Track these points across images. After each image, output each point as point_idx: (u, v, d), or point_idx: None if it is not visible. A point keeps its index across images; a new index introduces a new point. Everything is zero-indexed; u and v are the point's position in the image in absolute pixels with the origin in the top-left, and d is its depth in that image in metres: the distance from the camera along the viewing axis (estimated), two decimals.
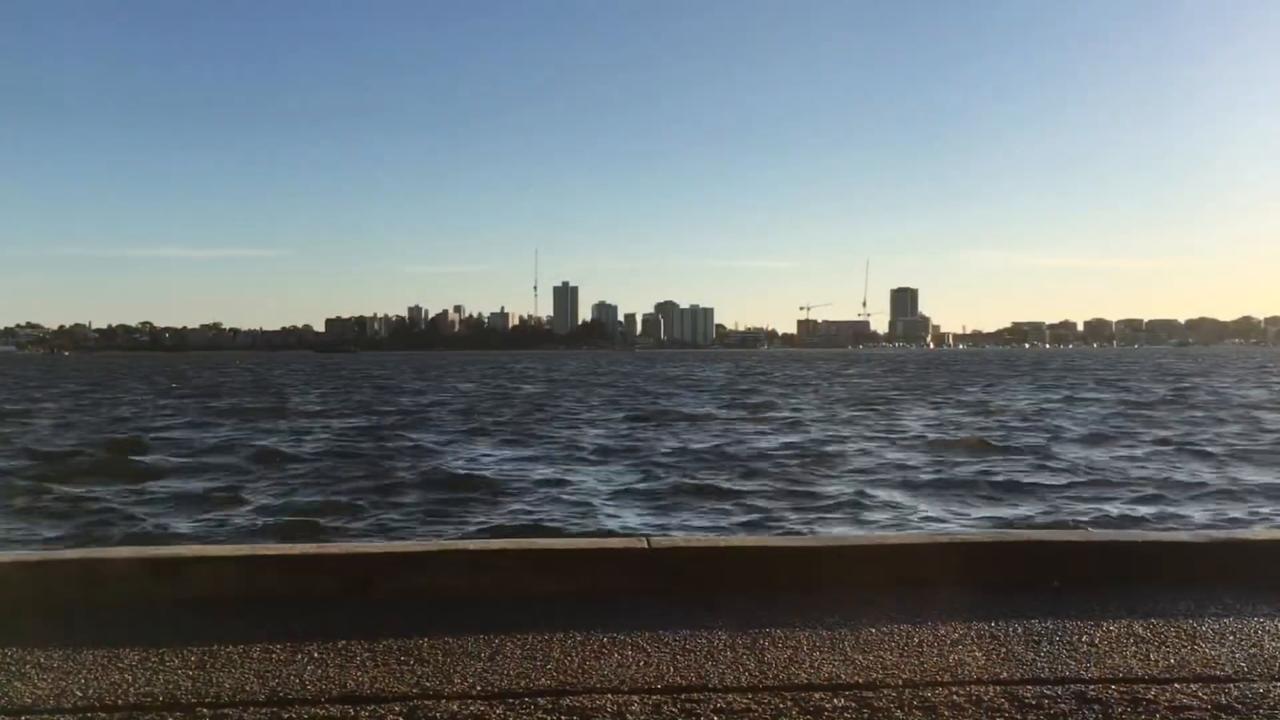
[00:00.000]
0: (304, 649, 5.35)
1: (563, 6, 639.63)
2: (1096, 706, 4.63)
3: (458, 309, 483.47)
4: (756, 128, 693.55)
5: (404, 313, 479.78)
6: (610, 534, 13.91)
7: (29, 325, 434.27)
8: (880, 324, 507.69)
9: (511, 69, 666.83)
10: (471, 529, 15.46)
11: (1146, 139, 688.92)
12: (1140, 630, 5.64)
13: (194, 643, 5.41)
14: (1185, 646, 5.40)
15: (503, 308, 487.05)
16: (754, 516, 16.47)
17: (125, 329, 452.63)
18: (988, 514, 16.92)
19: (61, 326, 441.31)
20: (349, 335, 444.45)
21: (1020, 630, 5.64)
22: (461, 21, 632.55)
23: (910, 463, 23.91)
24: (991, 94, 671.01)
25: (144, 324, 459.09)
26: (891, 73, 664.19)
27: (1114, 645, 5.43)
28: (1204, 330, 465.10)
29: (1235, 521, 15.79)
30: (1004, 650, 5.36)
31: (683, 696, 4.78)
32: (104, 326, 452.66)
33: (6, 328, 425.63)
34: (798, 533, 14.68)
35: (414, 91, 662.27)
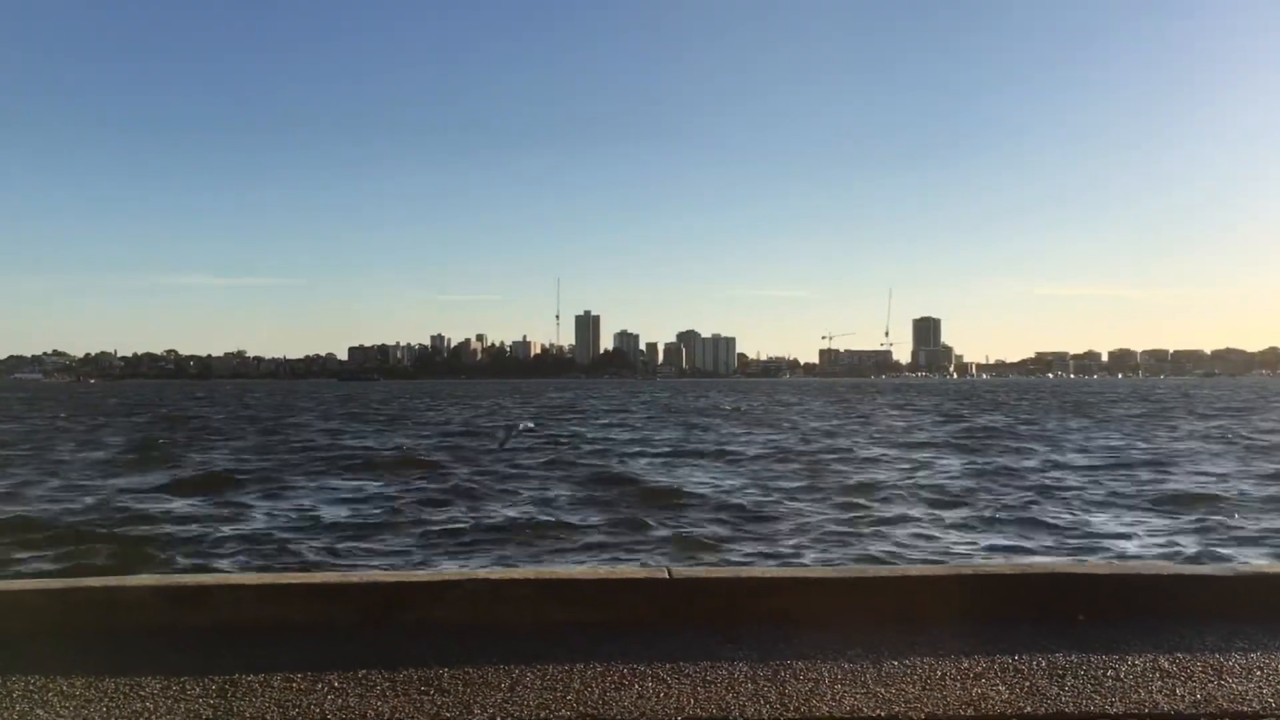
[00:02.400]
0: (324, 678, 5.35)
1: (583, 39, 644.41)
2: None
3: (480, 337, 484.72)
4: (778, 157, 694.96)
5: (426, 341, 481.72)
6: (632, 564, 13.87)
7: (55, 353, 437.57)
8: (903, 354, 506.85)
9: (533, 99, 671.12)
10: None
11: (1172, 167, 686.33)
12: (1166, 664, 5.58)
13: (215, 671, 5.43)
14: (1211, 681, 5.34)
15: (525, 336, 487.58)
16: None
17: (151, 357, 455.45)
18: None
19: (87, 354, 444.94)
20: (371, 363, 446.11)
21: (1044, 664, 5.59)
22: (482, 51, 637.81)
23: None
24: (1015, 122, 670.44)
25: (169, 352, 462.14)
26: (914, 102, 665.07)
27: (1139, 680, 5.37)
28: (1230, 361, 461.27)
29: None
30: (1028, 684, 5.31)
31: None
32: (129, 354, 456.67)
33: (34, 355, 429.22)
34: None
35: (436, 121, 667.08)
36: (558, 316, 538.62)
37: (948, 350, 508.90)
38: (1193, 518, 18.45)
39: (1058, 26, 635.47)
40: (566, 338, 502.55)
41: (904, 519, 18.40)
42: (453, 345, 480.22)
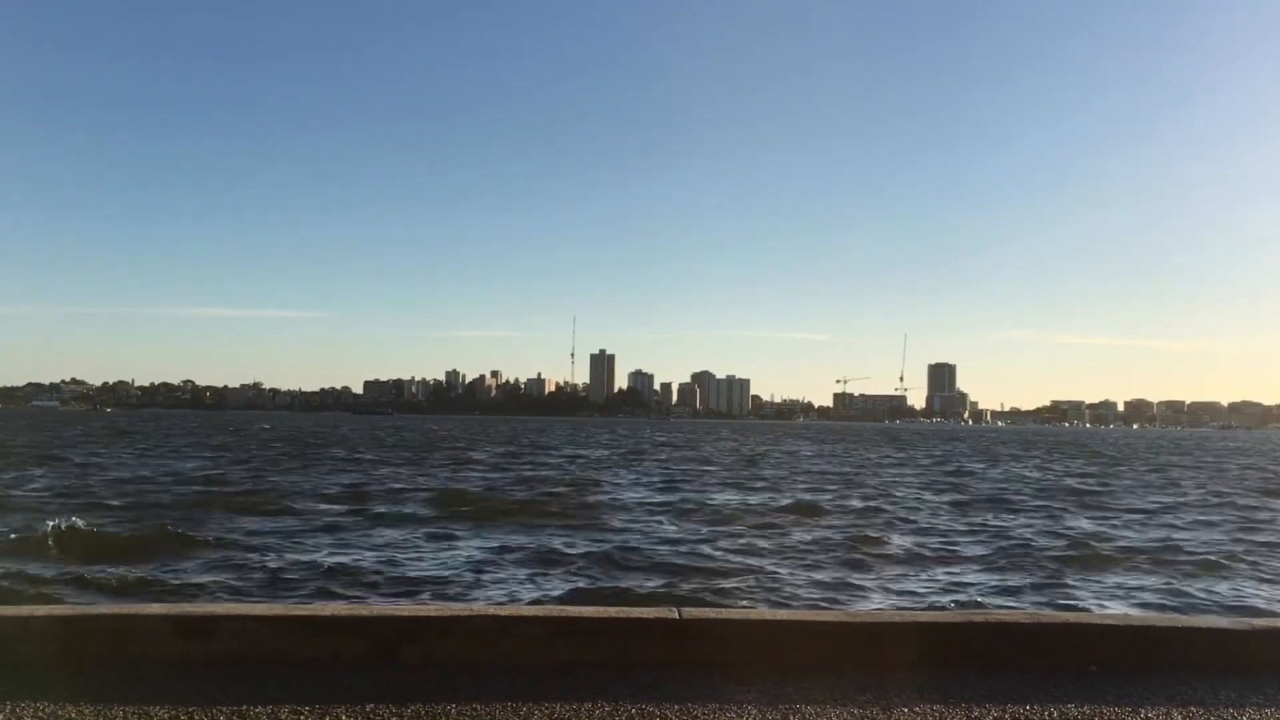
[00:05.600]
0: (332, 711, 5.34)
1: (601, 84, 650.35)
2: None
3: (495, 374, 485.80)
4: (795, 201, 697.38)
5: (441, 376, 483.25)
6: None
7: (73, 381, 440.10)
8: (917, 399, 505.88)
9: (552, 140, 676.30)
10: None
11: (1193, 219, 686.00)
12: (1179, 718, 5.52)
13: (224, 703, 5.42)
14: None
15: (539, 374, 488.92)
16: None
17: (167, 387, 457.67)
18: None
19: (105, 383, 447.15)
20: (387, 397, 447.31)
21: (1056, 714, 5.54)
22: (501, 92, 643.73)
23: None
24: (1034, 171, 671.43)
25: (185, 382, 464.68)
26: (932, 150, 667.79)
27: None
28: (1247, 414, 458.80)
29: None
30: None
31: None
32: (146, 384, 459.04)
33: (51, 383, 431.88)
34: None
35: (455, 158, 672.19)
36: (573, 355, 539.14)
37: (963, 397, 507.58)
38: None
39: (1078, 77, 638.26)
40: (581, 376, 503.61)
41: None
42: (467, 381, 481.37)
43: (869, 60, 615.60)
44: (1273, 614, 13.29)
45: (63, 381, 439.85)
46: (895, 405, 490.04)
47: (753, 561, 16.54)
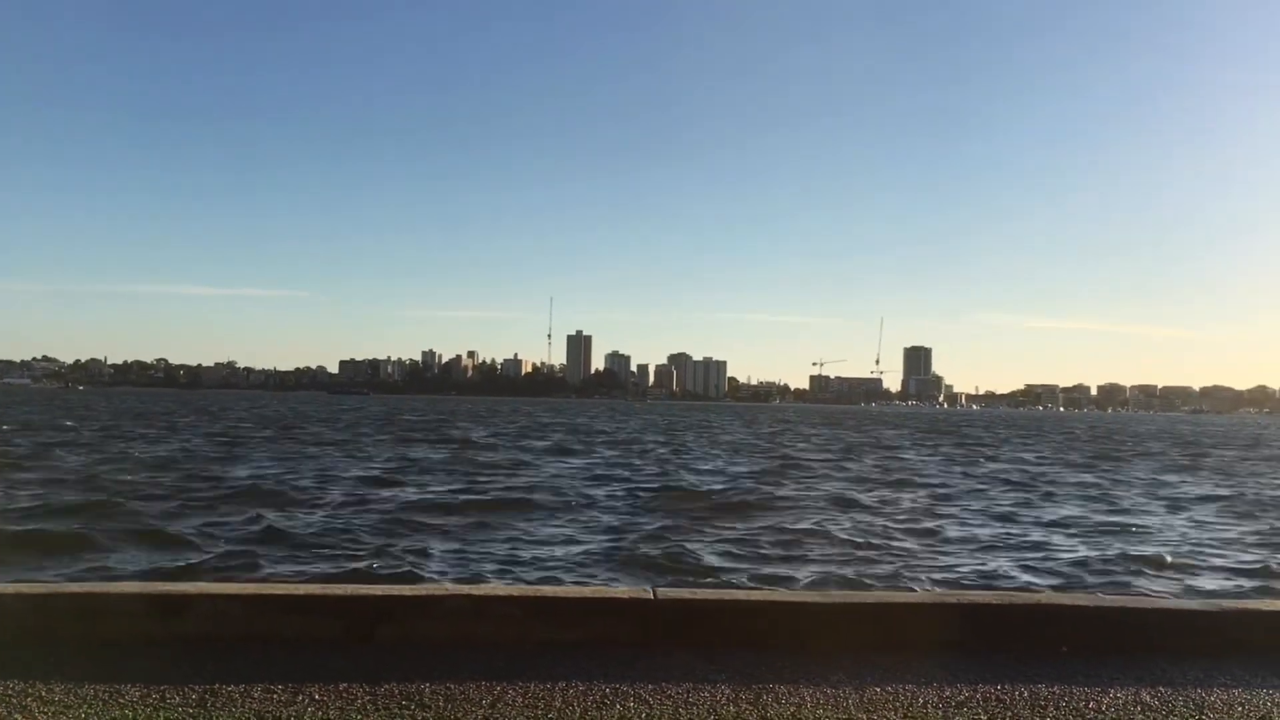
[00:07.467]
0: (305, 690, 5.33)
1: (579, 65, 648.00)
2: None
3: (471, 354, 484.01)
4: (772, 184, 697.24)
5: (417, 356, 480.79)
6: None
7: (45, 359, 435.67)
8: (893, 382, 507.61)
9: (530, 120, 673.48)
10: None
11: (1167, 208, 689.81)
12: (1148, 699, 5.58)
13: (195, 681, 5.40)
14: (1193, 716, 5.35)
15: (516, 355, 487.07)
16: None
17: (140, 365, 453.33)
18: None
19: (77, 361, 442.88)
20: (362, 377, 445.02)
21: (1026, 695, 5.58)
22: (480, 70, 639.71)
23: None
24: (1010, 156, 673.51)
25: (159, 360, 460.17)
26: (908, 133, 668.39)
27: (1121, 713, 5.37)
28: (1218, 398, 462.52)
29: None
30: (1009, 714, 5.31)
31: None
32: (119, 362, 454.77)
33: (23, 360, 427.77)
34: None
35: (431, 137, 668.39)
36: (549, 335, 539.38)
37: (938, 380, 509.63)
38: None
39: (1056, 64, 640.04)
40: (558, 357, 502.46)
41: None
42: (444, 361, 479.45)
43: (851, 46, 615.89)
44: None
45: (34, 359, 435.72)
46: (871, 388, 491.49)
47: None
